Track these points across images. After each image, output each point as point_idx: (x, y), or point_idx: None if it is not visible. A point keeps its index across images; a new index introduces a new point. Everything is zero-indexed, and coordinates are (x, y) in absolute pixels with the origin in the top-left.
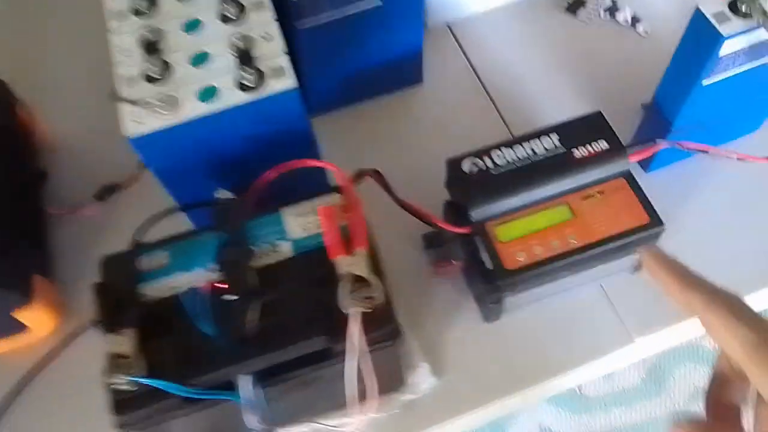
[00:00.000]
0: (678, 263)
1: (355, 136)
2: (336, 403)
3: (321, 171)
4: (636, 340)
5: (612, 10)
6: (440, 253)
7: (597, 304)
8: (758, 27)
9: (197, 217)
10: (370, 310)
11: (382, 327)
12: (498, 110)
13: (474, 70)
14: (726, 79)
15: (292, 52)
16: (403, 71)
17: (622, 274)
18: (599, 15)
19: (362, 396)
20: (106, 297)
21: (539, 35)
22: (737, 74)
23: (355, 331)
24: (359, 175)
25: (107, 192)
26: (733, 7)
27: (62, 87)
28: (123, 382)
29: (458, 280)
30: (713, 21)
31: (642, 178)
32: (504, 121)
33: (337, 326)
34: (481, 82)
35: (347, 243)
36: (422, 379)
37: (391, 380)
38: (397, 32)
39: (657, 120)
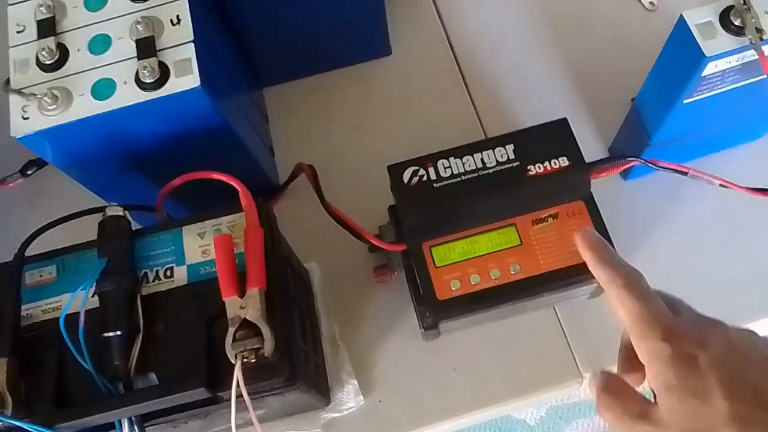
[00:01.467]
0: (602, 244)
1: (308, 111)
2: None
3: (255, 164)
4: (585, 376)
5: None
6: (383, 258)
7: (548, 330)
8: (749, 47)
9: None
10: (255, 362)
11: (273, 377)
12: (469, 92)
13: (450, 42)
14: (712, 96)
15: (233, 14)
16: (365, 42)
17: (577, 298)
18: None
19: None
20: None
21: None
22: (725, 91)
23: (237, 383)
24: (298, 170)
25: (32, 167)
26: (724, 19)
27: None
28: None
29: (401, 288)
30: (697, 35)
31: (619, 186)
32: (475, 108)
33: (223, 373)
34: (456, 58)
35: (242, 278)
36: (348, 398)
37: (305, 405)
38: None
39: (637, 127)
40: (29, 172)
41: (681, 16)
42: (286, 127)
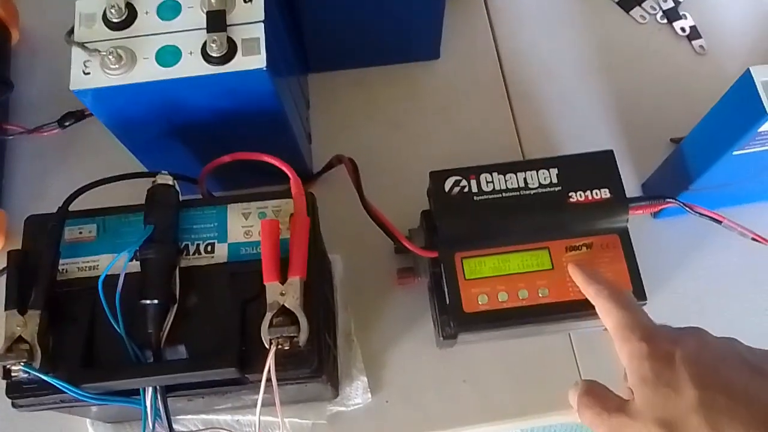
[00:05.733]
0: (593, 271)
1: (351, 102)
2: (242, 405)
3: (297, 149)
4: None
5: (671, 15)
6: (408, 261)
7: (560, 354)
8: None
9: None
10: (288, 349)
11: (301, 367)
12: (512, 109)
13: (498, 55)
14: (761, 151)
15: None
16: (417, 44)
17: (593, 327)
18: (656, 17)
19: None
20: (19, 269)
21: (581, 27)
22: None
23: (269, 369)
24: (336, 161)
25: (70, 118)
26: None
27: None
28: (18, 368)
29: (421, 293)
30: (762, 92)
31: (648, 224)
32: (516, 125)
33: (253, 356)
34: (503, 73)
35: (284, 265)
36: (356, 393)
37: (316, 395)
38: (411, 2)
39: (678, 169)
40: (66, 124)
41: (748, 70)
42: (326, 116)
